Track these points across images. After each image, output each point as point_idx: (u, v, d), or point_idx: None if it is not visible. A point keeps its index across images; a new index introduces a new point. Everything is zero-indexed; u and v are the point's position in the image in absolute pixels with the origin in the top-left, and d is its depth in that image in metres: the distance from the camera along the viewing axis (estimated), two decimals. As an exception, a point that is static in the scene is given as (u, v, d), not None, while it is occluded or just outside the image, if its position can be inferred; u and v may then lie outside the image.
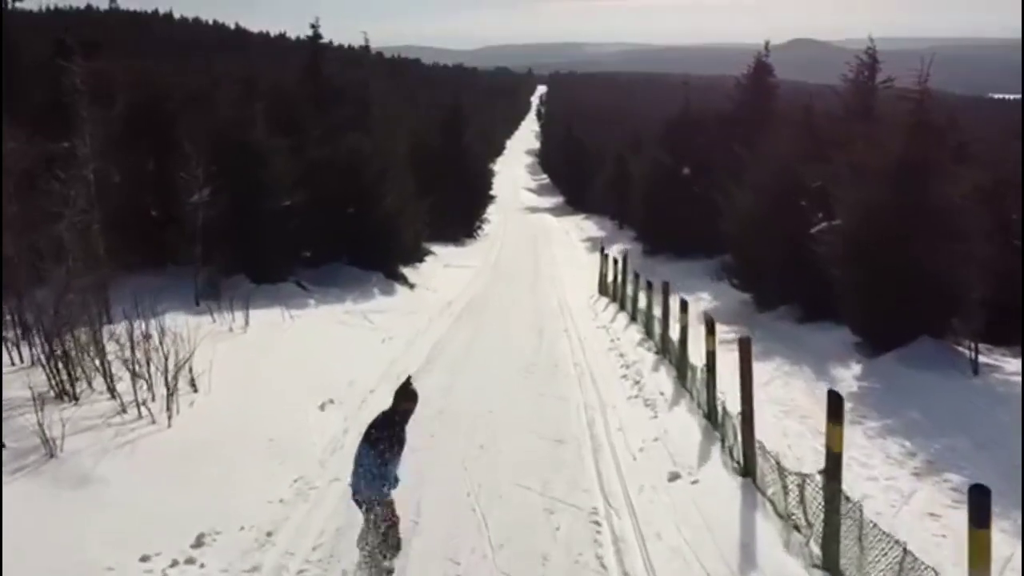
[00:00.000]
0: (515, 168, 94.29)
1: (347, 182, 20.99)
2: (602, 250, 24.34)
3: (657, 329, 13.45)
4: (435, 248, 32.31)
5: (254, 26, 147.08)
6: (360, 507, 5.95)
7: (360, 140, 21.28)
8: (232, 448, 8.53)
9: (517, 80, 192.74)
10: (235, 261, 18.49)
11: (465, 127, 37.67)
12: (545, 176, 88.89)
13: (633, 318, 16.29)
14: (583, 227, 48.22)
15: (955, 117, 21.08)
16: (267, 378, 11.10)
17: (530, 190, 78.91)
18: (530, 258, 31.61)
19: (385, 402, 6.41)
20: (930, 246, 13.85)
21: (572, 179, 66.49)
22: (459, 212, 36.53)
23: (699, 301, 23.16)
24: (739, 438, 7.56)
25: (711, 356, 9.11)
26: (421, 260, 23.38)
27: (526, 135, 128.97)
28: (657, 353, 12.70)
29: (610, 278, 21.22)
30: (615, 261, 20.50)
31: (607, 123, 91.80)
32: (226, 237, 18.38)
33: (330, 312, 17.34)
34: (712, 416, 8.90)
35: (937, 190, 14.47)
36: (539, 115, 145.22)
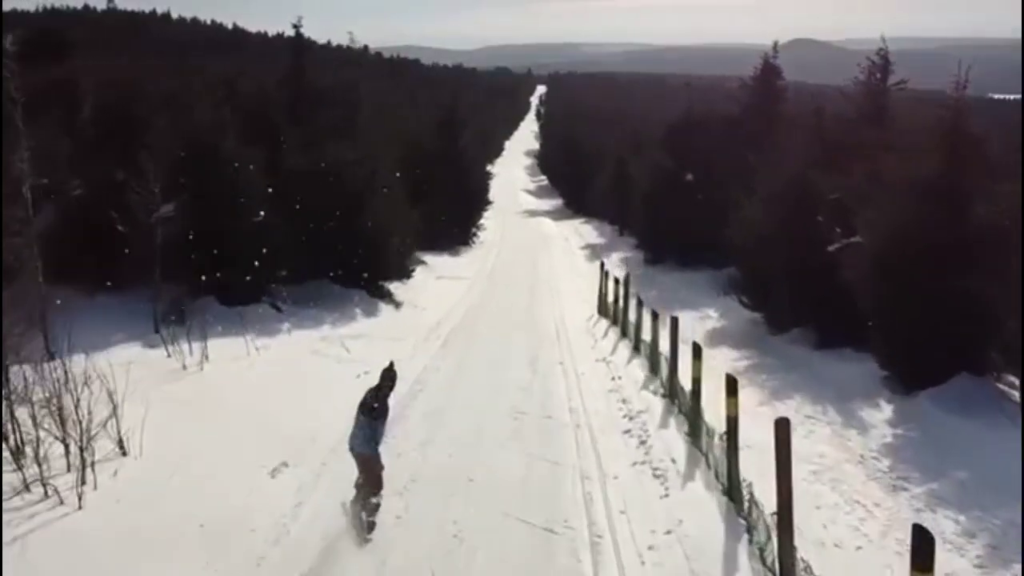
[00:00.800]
0: (514, 169, 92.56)
1: (329, 193, 19.40)
2: (602, 266, 22.69)
3: (663, 364, 11.82)
4: (428, 257, 30.74)
5: (252, 26, 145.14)
6: (355, 457, 7.58)
7: (343, 148, 19.65)
8: (149, 539, 6.92)
9: (516, 80, 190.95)
10: (203, 281, 16.90)
11: (461, 130, 36.03)
12: (544, 177, 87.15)
13: (636, 348, 14.66)
14: (582, 232, 46.59)
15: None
16: (215, 433, 9.49)
17: (529, 192, 77.23)
18: (527, 269, 29.98)
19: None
20: (968, 269, 12.26)
21: (571, 181, 64.79)
22: (454, 219, 34.91)
23: (705, 319, 21.57)
24: (774, 542, 5.94)
25: (732, 423, 7.49)
26: (409, 275, 21.76)
27: (525, 135, 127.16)
28: (664, 396, 11.09)
29: (611, 298, 19.57)
30: (616, 281, 18.83)
31: (607, 124, 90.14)
32: (193, 255, 16.83)
33: (304, 339, 15.74)
34: (735, 496, 7.29)
35: (975, 207, 12.91)
36: (538, 115, 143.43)
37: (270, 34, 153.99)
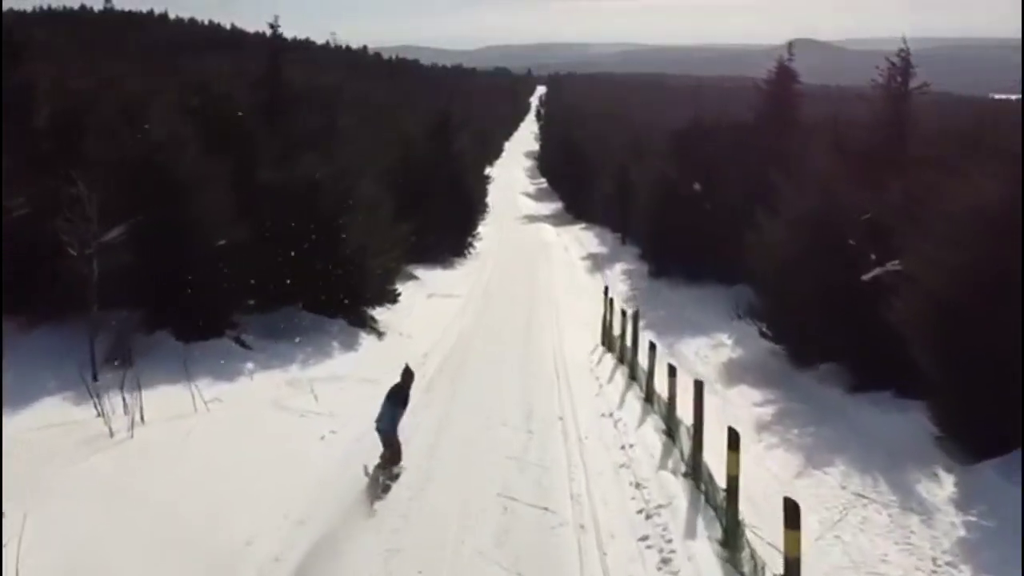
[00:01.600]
0: (513, 171, 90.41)
1: (304, 210, 17.32)
2: (606, 292, 20.54)
3: (683, 432, 9.74)
4: (420, 271, 28.66)
5: (250, 26, 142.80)
6: (380, 435, 9.52)
7: (318, 161, 17.57)
8: None
9: (516, 81, 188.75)
10: (157, 314, 14.84)
11: (455, 135, 33.91)
12: (544, 180, 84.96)
13: (648, 399, 12.55)
14: (583, 240, 44.48)
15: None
16: (120, 542, 7.40)
17: (528, 195, 75.11)
18: (524, 284, 27.89)
19: None
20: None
21: (572, 185, 62.73)
22: (448, 229, 32.83)
23: (719, 347, 19.46)
24: None
25: (733, 483, 5.41)
26: (394, 300, 19.63)
27: (525, 136, 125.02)
28: (686, 476, 8.99)
29: (616, 330, 17.48)
30: (623, 314, 16.67)
31: (608, 127, 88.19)
32: (145, 285, 14.76)
33: (268, 383, 13.66)
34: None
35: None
36: (538, 116, 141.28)
37: (268, 34, 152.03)
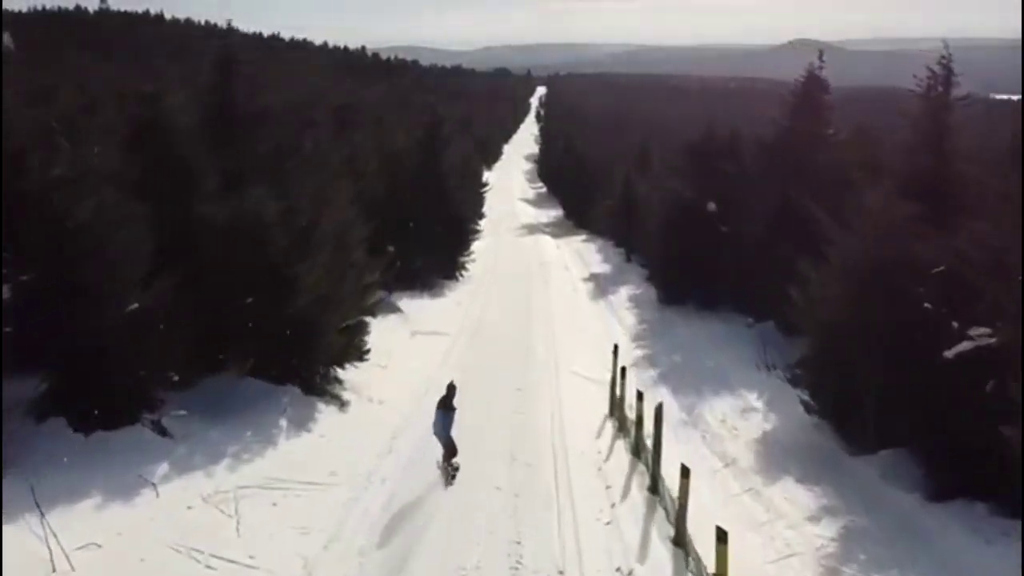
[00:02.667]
0: (512, 175, 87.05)
1: (249, 257, 14.01)
2: (615, 353, 16.98)
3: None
4: (404, 302, 25.34)
5: (247, 27, 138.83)
6: (439, 439, 11.98)
7: (270, 195, 14.22)
8: None
9: (516, 81, 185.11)
10: (49, 398, 11.54)
11: (446, 148, 30.50)
12: (544, 184, 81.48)
13: (678, 540, 9.16)
14: (584, 254, 41.11)
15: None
16: None
17: (527, 201, 71.69)
18: (520, 319, 24.48)
19: None
20: None
21: (572, 192, 59.37)
22: (438, 251, 29.51)
23: (749, 412, 16.07)
24: None
25: None
26: (362, 356, 16.22)
27: (525, 138, 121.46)
28: None
29: (629, 406, 14.09)
30: (640, 396, 13.18)
31: (609, 130, 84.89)
32: (34, 359, 11.50)
33: (179, 501, 10.31)
34: None
35: None
36: (538, 117, 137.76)
37: (264, 35, 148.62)
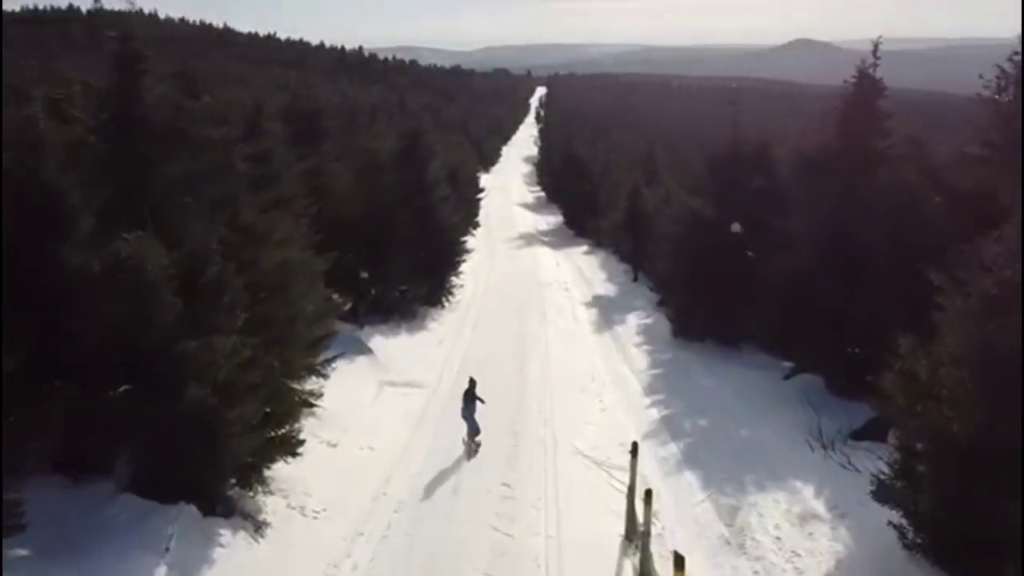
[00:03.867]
0: (510, 178, 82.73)
1: (126, 326, 9.83)
2: (634, 451, 12.58)
3: None
4: (376, 341, 21.17)
5: (243, 27, 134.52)
6: (465, 421, 14.67)
7: (150, 241, 10.01)
8: None
9: (516, 82, 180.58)
10: None
11: (429, 160, 26.24)
12: (542, 187, 77.09)
13: None
14: (586, 271, 36.89)
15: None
16: None
17: (525, 206, 67.39)
18: (512, 366, 20.23)
19: None
20: None
21: (572, 198, 55.12)
22: (420, 276, 25.33)
23: (810, 523, 11.84)
24: None
25: None
26: (294, 451, 11.96)
27: (524, 140, 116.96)
28: None
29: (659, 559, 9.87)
30: (648, 496, 9.00)
31: (610, 132, 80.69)
32: None
33: None
34: None
35: None
36: (538, 118, 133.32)
37: (261, 34, 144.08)
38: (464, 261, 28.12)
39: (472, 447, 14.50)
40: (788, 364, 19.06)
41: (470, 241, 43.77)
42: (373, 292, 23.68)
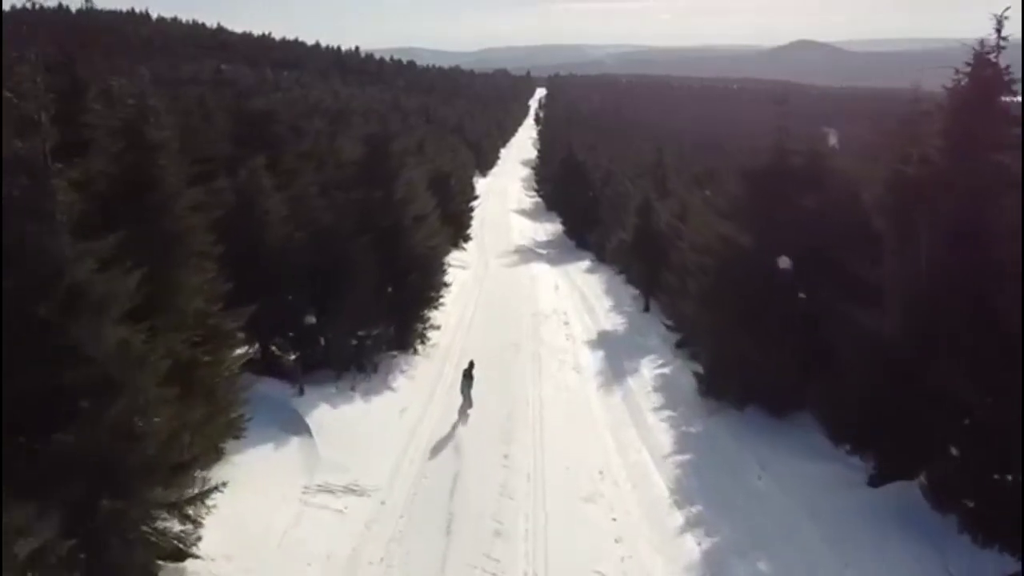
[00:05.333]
0: (508, 182, 77.27)
1: None
2: None
3: None
4: (319, 412, 15.86)
5: (238, 26, 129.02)
6: (462, 394, 16.99)
7: None
8: None
9: (515, 82, 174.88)
10: None
11: (397, 174, 20.81)
12: (541, 191, 71.57)
13: None
14: (589, 295, 31.52)
15: None
16: None
17: (523, 213, 62.06)
18: (495, 450, 14.95)
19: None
20: None
21: (573, 206, 49.78)
22: (384, 317, 20.00)
23: None
24: None
25: None
26: None
27: (523, 142, 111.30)
28: None
29: None
30: None
31: (611, 135, 75.47)
32: None
33: None
34: None
35: None
36: (537, 120, 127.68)
37: (255, 34, 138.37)
38: (442, 298, 22.65)
39: (467, 413, 16.87)
40: (851, 449, 13.71)
41: (460, 256, 38.83)
42: (323, 341, 18.34)
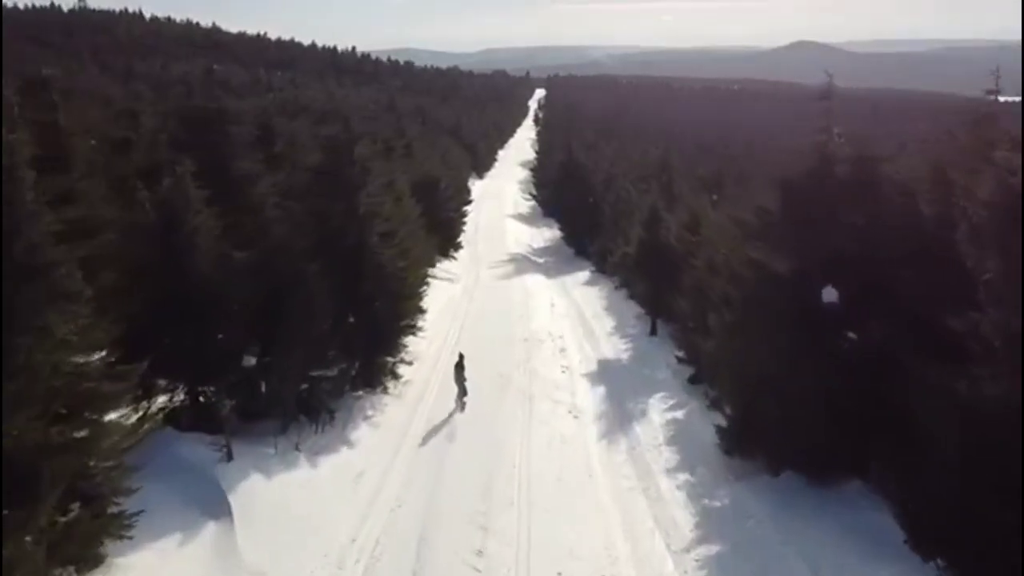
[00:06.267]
0: (505, 185, 73.74)
1: None
2: None
3: None
4: (250, 481, 12.40)
5: (233, 26, 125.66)
6: (457, 384, 17.15)
7: None
8: None
9: (515, 83, 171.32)
10: None
11: (363, 182, 17.32)
12: (540, 194, 67.99)
13: None
14: (588, 314, 28.09)
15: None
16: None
17: (520, 218, 58.59)
18: (464, 545, 11.57)
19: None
20: None
21: (572, 212, 46.31)
22: (345, 352, 16.58)
23: None
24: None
25: None
26: None
27: (522, 143, 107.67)
28: None
29: None
30: None
31: (612, 137, 72.11)
32: None
33: None
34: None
35: None
36: (536, 121, 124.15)
37: (251, 34, 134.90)
38: (418, 326, 19.21)
39: (463, 402, 17.15)
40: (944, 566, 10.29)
41: (449, 267, 35.44)
42: (264, 387, 14.90)
